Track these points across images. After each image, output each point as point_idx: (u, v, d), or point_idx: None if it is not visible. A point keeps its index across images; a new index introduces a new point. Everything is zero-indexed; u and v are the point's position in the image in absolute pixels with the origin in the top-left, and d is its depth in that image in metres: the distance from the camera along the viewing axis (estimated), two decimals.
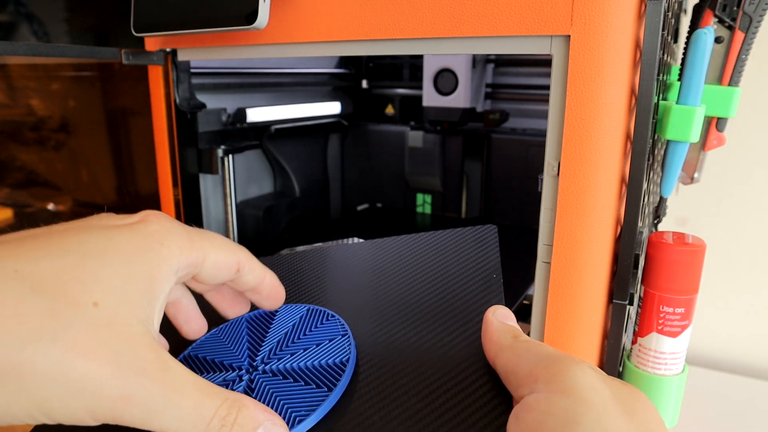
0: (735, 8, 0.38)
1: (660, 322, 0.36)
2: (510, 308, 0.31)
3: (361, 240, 0.46)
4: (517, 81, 0.78)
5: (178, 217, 0.54)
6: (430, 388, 0.27)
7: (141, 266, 0.23)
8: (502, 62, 0.78)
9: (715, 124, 0.43)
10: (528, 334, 0.36)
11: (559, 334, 0.35)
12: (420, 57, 0.78)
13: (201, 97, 0.55)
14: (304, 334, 0.32)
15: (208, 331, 0.33)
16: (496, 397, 0.25)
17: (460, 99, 0.72)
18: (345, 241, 0.53)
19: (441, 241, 0.38)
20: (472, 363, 0.28)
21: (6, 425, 0.19)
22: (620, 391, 0.20)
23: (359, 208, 0.88)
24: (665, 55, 0.39)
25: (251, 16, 0.38)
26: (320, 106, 0.76)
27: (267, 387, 0.29)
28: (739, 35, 0.39)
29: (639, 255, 0.34)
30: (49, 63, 0.61)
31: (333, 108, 0.79)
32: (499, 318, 0.26)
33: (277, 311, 0.35)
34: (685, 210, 0.89)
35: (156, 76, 0.51)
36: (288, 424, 0.25)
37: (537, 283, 0.36)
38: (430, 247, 0.38)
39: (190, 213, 0.56)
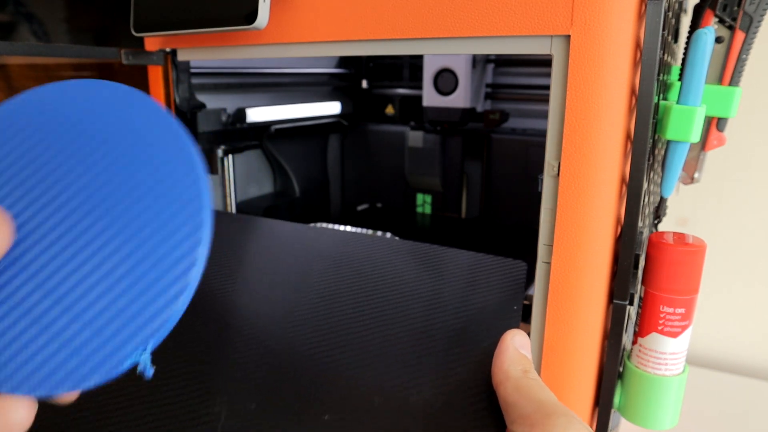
0: (735, 8, 0.38)
1: (660, 322, 0.36)
2: None
3: (395, 237, 0.46)
4: (517, 81, 0.78)
5: None
6: (428, 400, 0.27)
7: None
8: (502, 62, 0.77)
9: (715, 124, 0.43)
10: (528, 335, 0.36)
11: (559, 334, 0.35)
12: (420, 57, 0.78)
13: (201, 97, 0.55)
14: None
15: None
16: (492, 425, 0.25)
17: (460, 99, 0.72)
18: (377, 233, 0.52)
19: (472, 260, 0.39)
20: (474, 384, 0.28)
21: None
22: None
23: (359, 208, 0.88)
24: (665, 55, 0.39)
25: (251, 16, 0.38)
26: (320, 106, 0.76)
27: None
28: (740, 35, 0.39)
29: (639, 255, 0.34)
30: (48, 63, 0.61)
31: (333, 108, 0.79)
32: (516, 345, 0.26)
33: None
34: (685, 210, 0.89)
35: (156, 76, 0.51)
36: None
37: (537, 283, 0.36)
38: (460, 263, 0.38)
39: None
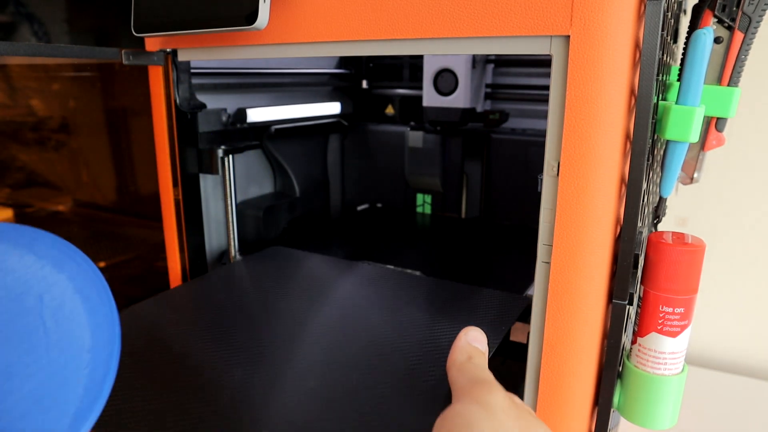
0: (734, 8, 0.38)
1: (660, 322, 0.36)
2: None
3: (421, 274, 0.54)
4: (517, 81, 0.78)
5: (178, 217, 0.55)
6: (406, 377, 0.35)
7: None
8: (502, 62, 0.78)
9: (714, 124, 0.43)
10: (528, 335, 0.37)
11: (559, 334, 0.35)
12: (420, 57, 0.78)
13: (201, 97, 0.55)
14: None
15: None
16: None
17: (460, 99, 0.72)
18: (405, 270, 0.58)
19: (475, 294, 0.47)
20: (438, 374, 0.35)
21: None
22: (525, 418, 0.25)
23: (359, 208, 0.88)
24: (665, 56, 0.39)
25: (251, 17, 0.38)
26: (320, 106, 0.76)
27: None
28: (739, 35, 0.39)
29: (639, 255, 0.34)
30: (49, 63, 0.61)
31: (333, 108, 0.79)
32: (469, 339, 0.31)
33: None
34: (685, 210, 0.89)
35: (156, 76, 0.51)
36: None
37: (537, 283, 0.36)
38: (465, 296, 0.46)
39: (190, 213, 0.56)
